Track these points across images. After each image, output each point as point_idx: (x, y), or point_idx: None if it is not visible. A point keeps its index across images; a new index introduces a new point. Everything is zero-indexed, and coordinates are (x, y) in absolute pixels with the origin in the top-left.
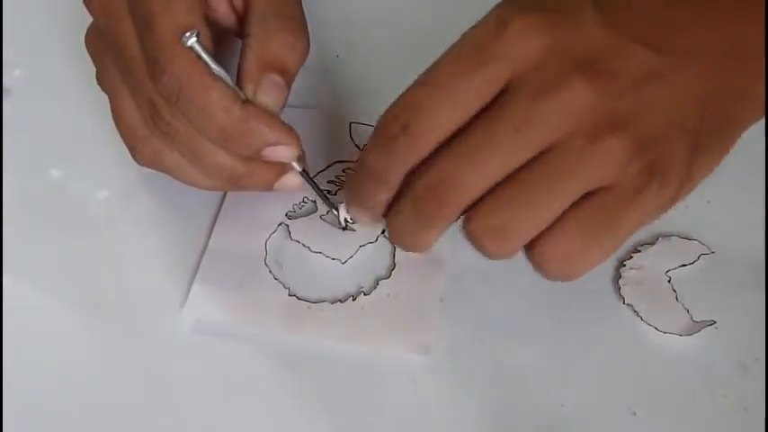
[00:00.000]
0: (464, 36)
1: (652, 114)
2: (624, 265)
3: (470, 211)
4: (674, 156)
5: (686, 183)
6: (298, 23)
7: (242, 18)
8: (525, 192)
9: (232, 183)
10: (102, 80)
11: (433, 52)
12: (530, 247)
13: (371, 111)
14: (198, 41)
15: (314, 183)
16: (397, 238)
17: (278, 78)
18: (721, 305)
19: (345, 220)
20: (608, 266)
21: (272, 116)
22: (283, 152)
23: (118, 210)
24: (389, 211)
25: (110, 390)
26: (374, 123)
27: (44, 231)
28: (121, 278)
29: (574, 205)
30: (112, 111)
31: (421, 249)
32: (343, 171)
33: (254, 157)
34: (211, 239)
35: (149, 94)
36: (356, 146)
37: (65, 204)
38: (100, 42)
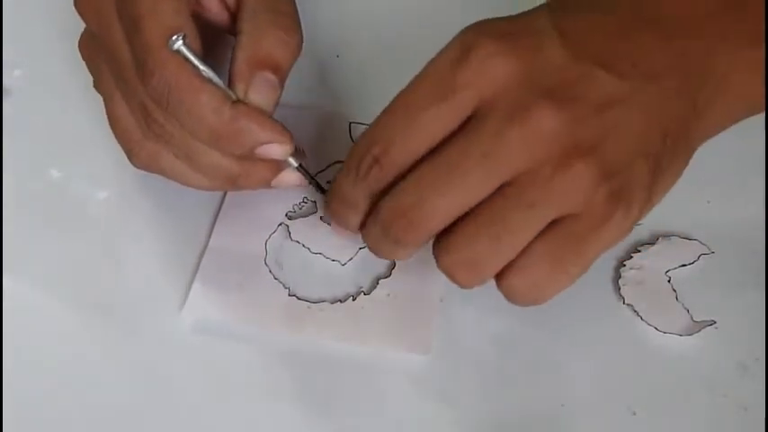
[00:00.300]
0: (429, 64)
1: (617, 139)
2: (624, 266)
3: (441, 244)
4: (638, 181)
5: (646, 205)
6: (290, 19)
7: (235, 15)
8: (495, 223)
9: (229, 183)
10: (97, 84)
11: (433, 52)
12: (498, 278)
13: (371, 111)
14: (184, 44)
15: (312, 178)
16: (373, 251)
17: (270, 76)
18: (721, 305)
19: None
20: (608, 266)
21: (263, 115)
22: (276, 150)
23: (118, 210)
24: (362, 228)
25: (110, 390)
26: None
27: (44, 231)
28: (121, 278)
29: (540, 233)
30: (108, 115)
31: (399, 260)
32: None
33: (249, 157)
34: (211, 239)
35: (141, 97)
36: None
37: (65, 204)
38: (93, 47)
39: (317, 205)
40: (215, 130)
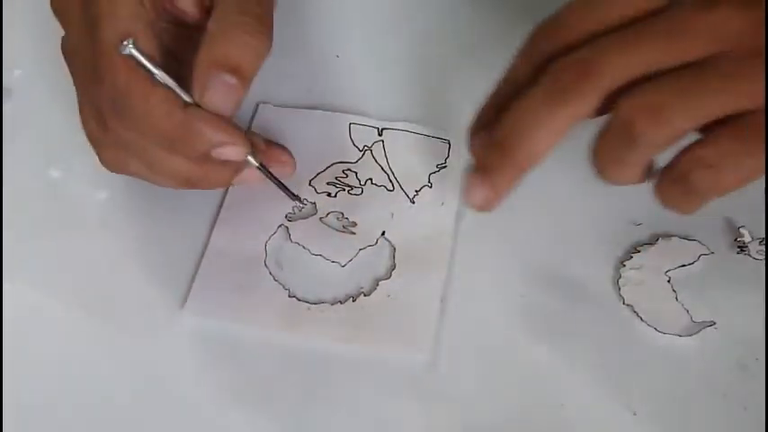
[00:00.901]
0: None
1: None
2: (624, 266)
3: (624, 93)
4: None
5: None
6: (258, 22)
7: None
8: (683, 79)
9: (189, 185)
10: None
11: (432, 52)
12: (683, 153)
13: (372, 111)
14: (136, 48)
15: (272, 176)
16: (536, 109)
17: (229, 78)
18: (721, 305)
19: (344, 225)
20: (608, 266)
21: (216, 117)
22: (231, 151)
23: (118, 210)
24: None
25: (110, 390)
26: (374, 124)
27: (44, 231)
28: (121, 278)
29: (723, 121)
30: (81, 118)
31: (570, 117)
32: (343, 172)
33: (206, 159)
34: (211, 240)
35: (97, 101)
36: (356, 146)
37: (65, 204)
38: (68, 50)
39: (317, 207)
40: (167, 133)
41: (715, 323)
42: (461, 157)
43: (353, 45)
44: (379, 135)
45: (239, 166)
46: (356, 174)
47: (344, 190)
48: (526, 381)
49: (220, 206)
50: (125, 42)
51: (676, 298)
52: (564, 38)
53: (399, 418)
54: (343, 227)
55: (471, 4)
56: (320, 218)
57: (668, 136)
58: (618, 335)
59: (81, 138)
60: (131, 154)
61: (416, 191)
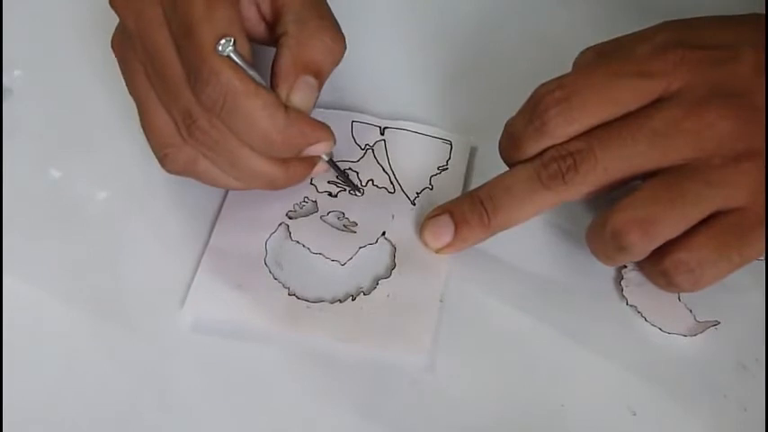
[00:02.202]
0: (624, 48)
1: None
2: (626, 266)
3: (615, 205)
4: None
5: None
6: (336, 26)
7: (271, 25)
8: (671, 189)
9: (272, 186)
10: (130, 86)
11: (434, 52)
12: (666, 254)
13: (373, 109)
14: (234, 50)
15: (338, 168)
16: (526, 189)
17: (311, 80)
18: (722, 305)
19: (345, 225)
20: (608, 267)
21: (309, 116)
22: (322, 148)
23: (118, 210)
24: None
25: (110, 390)
26: (376, 123)
27: (44, 231)
28: (121, 278)
29: (706, 221)
30: (141, 118)
31: (563, 200)
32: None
33: (290, 158)
34: (212, 239)
35: (185, 102)
36: (357, 145)
37: (65, 204)
38: (128, 47)
39: (318, 205)
40: (269, 135)
41: (719, 323)
42: (463, 159)
43: (356, 44)
44: (381, 134)
45: (316, 161)
46: (357, 174)
47: (345, 190)
48: (526, 381)
49: (221, 205)
50: (224, 41)
51: (678, 298)
52: (557, 123)
53: (399, 419)
54: (344, 226)
55: (475, 5)
56: (321, 216)
57: (656, 245)
58: (617, 335)
59: (81, 138)
60: (211, 155)
61: (417, 193)
